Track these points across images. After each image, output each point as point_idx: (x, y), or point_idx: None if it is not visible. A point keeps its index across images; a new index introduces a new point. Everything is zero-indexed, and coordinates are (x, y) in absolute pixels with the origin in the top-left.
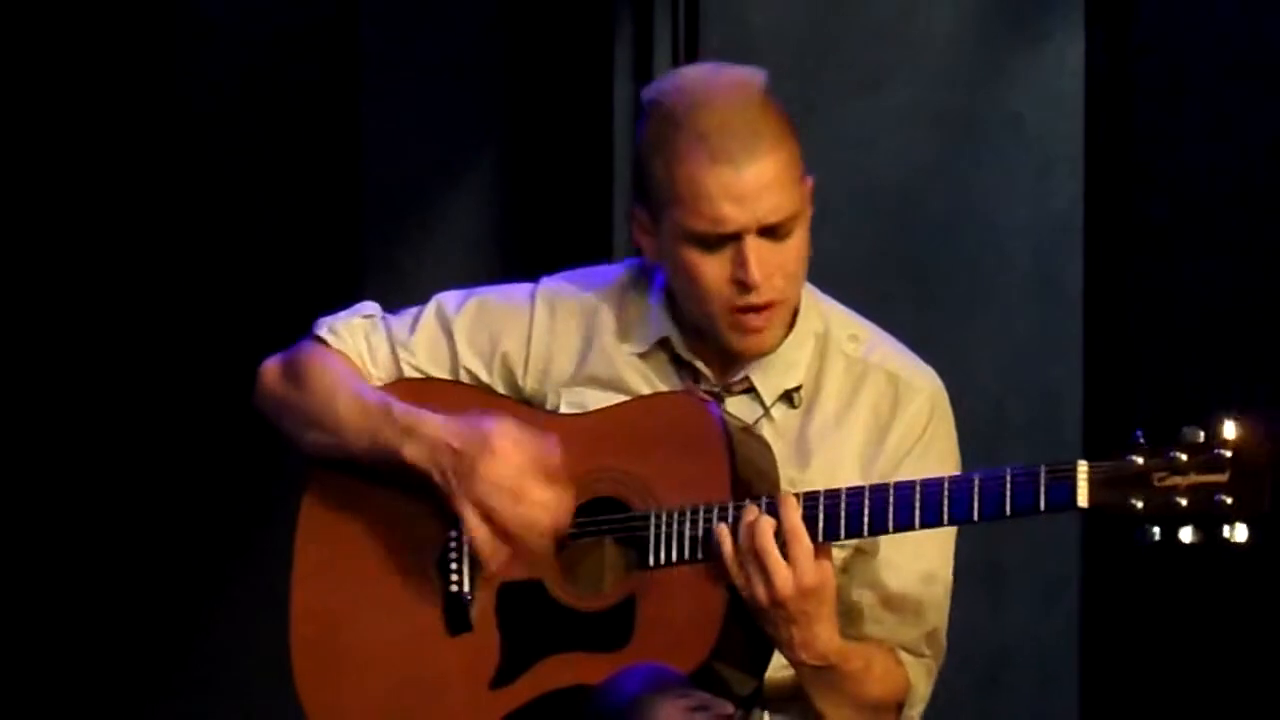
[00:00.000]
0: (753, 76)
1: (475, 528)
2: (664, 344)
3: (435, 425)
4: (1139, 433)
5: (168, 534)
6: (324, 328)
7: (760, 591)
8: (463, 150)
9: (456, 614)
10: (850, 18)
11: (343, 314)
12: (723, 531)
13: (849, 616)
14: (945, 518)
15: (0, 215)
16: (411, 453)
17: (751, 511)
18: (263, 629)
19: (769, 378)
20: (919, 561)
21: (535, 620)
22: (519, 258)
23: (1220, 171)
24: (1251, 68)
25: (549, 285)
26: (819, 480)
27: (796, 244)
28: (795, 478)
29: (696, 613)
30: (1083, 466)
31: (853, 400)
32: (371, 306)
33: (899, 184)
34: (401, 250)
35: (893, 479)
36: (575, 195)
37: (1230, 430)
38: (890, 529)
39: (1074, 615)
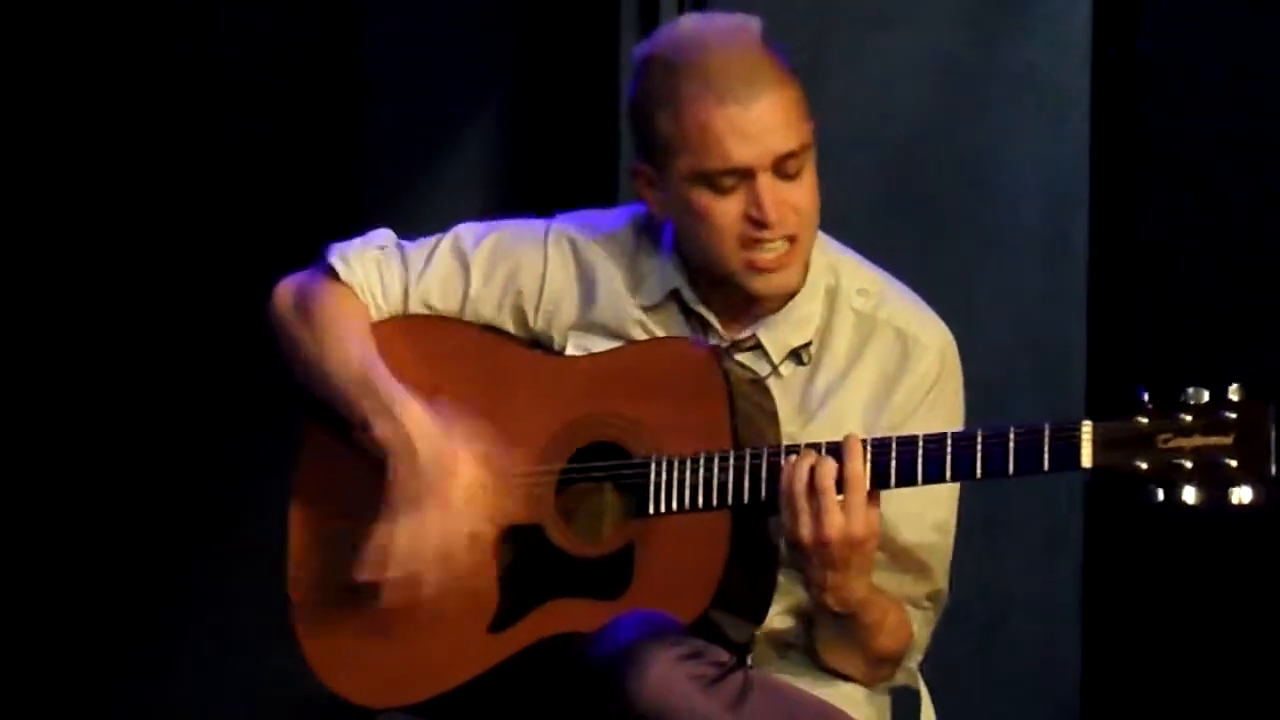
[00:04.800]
0: (748, 21)
1: (392, 539)
2: (674, 296)
3: (411, 416)
4: (1142, 391)
5: (180, 526)
6: (337, 256)
7: (808, 532)
8: (466, 110)
9: None
10: None
11: (357, 242)
12: (794, 464)
13: None
14: (948, 474)
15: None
16: (381, 432)
17: (810, 455)
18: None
19: (777, 335)
20: (929, 516)
21: (534, 565)
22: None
23: (1230, 125)
24: (1263, 21)
25: (563, 227)
26: (822, 436)
27: (807, 183)
28: (796, 434)
29: (696, 561)
30: (1087, 427)
31: (860, 356)
32: (386, 235)
33: (906, 133)
34: (406, 204)
35: (904, 430)
36: (580, 153)
37: (1235, 392)
38: (892, 483)
39: (1077, 567)
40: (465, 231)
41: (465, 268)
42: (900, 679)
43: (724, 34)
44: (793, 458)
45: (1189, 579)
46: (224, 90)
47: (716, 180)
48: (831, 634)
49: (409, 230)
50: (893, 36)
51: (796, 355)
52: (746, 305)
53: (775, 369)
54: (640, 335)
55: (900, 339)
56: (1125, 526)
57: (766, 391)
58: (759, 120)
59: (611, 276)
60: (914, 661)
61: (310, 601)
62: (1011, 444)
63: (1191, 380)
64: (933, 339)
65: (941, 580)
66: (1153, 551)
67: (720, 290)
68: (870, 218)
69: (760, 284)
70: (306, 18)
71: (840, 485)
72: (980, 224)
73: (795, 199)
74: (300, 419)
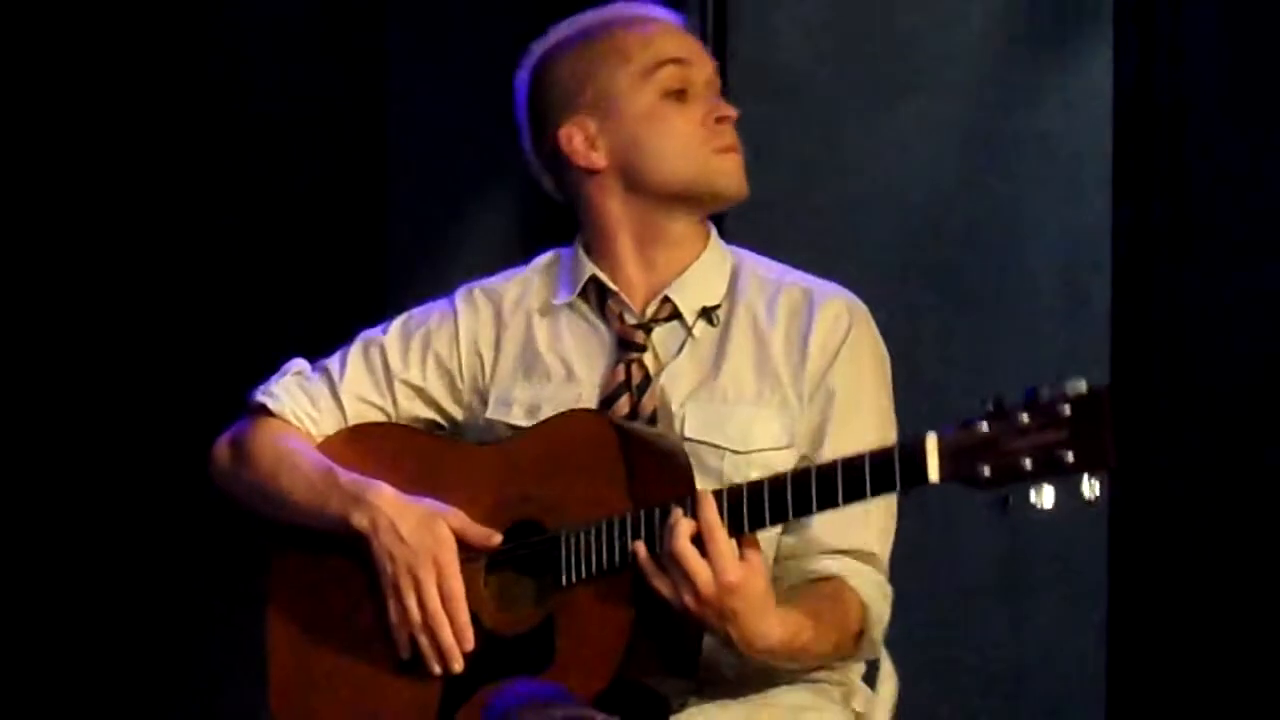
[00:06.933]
0: None
1: (401, 614)
2: (590, 284)
3: (383, 497)
4: (990, 400)
5: (202, 541)
6: (261, 394)
7: (686, 596)
8: (488, 161)
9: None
10: (878, 32)
11: (274, 378)
12: (638, 545)
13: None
14: (814, 505)
15: (19, 216)
16: (357, 520)
17: (672, 515)
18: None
19: (688, 296)
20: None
21: (471, 651)
22: None
23: (1248, 187)
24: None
25: (468, 286)
26: (741, 386)
27: None
28: (718, 386)
29: (604, 629)
30: (931, 439)
31: (770, 311)
32: (299, 363)
33: (927, 198)
34: (425, 264)
35: (826, 384)
36: None
37: (1069, 388)
38: (748, 526)
39: (1100, 630)
40: (369, 331)
41: (382, 355)
42: (866, 652)
43: (599, 5)
44: (639, 541)
45: (1216, 642)
46: (248, 146)
47: (666, 79)
48: (773, 668)
49: (428, 291)
50: (913, 102)
51: (708, 315)
52: (655, 256)
53: (689, 331)
54: (558, 344)
55: (806, 294)
56: (1151, 588)
57: (672, 442)
58: (689, 40)
59: (520, 305)
60: (877, 632)
61: (288, 700)
62: (867, 468)
63: (1212, 442)
64: (838, 293)
65: (880, 527)
66: (1178, 614)
67: (634, 246)
68: (890, 282)
69: (726, 180)
70: (330, 78)
71: (700, 539)
72: (1000, 289)
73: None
74: (264, 558)
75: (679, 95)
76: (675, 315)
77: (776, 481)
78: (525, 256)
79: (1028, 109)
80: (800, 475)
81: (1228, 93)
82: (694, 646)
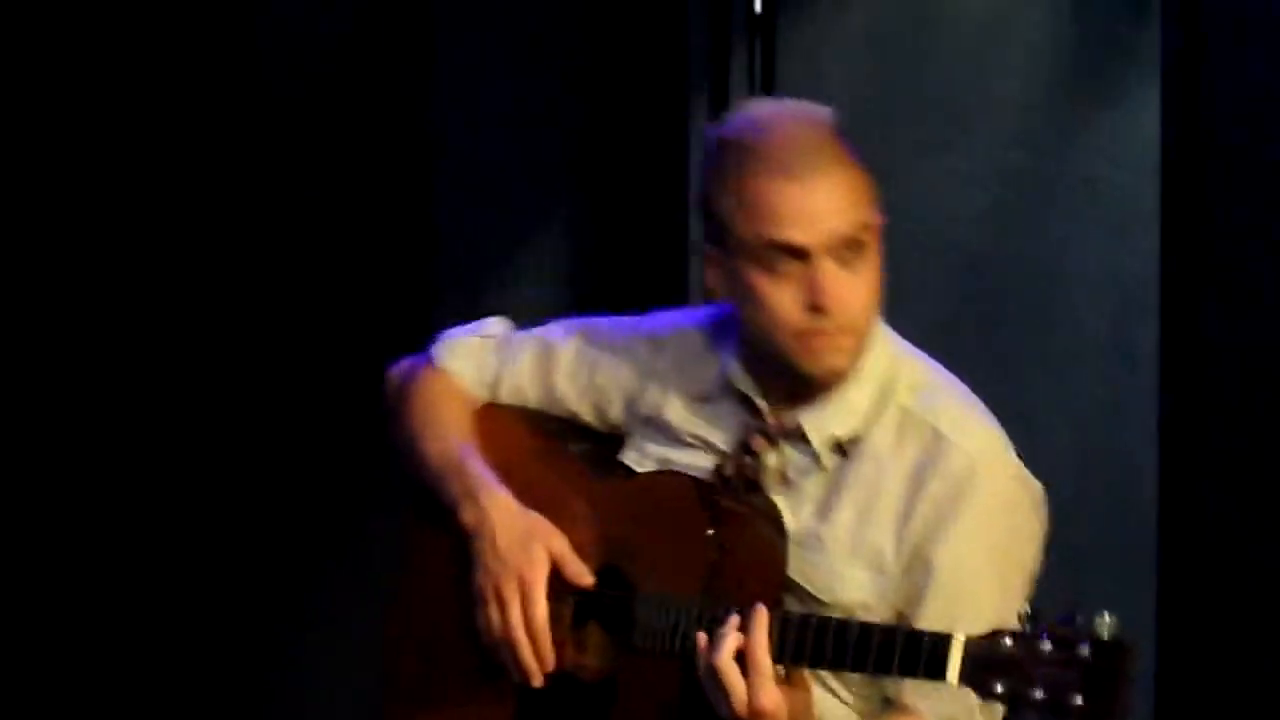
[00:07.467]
0: (821, 108)
1: (486, 623)
2: (730, 385)
3: (496, 503)
4: (1026, 613)
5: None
6: (443, 345)
7: (720, 704)
8: (538, 200)
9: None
10: (924, 78)
11: (465, 330)
12: (700, 638)
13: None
14: (848, 662)
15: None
16: (465, 516)
17: (726, 624)
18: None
19: (821, 425)
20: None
21: (547, 679)
22: (593, 306)
23: None
24: None
25: (640, 328)
26: (841, 535)
27: (868, 274)
28: (819, 530)
29: (657, 706)
30: (957, 641)
31: (895, 453)
32: (494, 324)
33: (972, 244)
34: (477, 294)
35: (925, 556)
36: (650, 245)
37: (1099, 625)
38: (791, 659)
39: (1150, 690)
40: (557, 329)
41: (553, 363)
42: None
43: (792, 115)
44: (701, 633)
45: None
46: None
47: (774, 258)
48: None
49: (477, 314)
50: (958, 147)
51: (840, 449)
52: (795, 389)
53: (818, 459)
54: (695, 425)
55: (936, 439)
56: (1200, 645)
57: (768, 530)
58: (817, 200)
59: (678, 371)
60: None
61: (400, 687)
62: (898, 647)
63: (1265, 493)
64: (970, 444)
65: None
66: (1228, 663)
67: (771, 374)
68: (934, 328)
69: (811, 364)
70: (378, 117)
71: (743, 658)
72: (1047, 336)
73: (853, 286)
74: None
75: (786, 252)
76: (804, 439)
77: (825, 624)
78: (576, 283)
79: (1074, 154)
80: (845, 629)
81: (1278, 136)
82: None
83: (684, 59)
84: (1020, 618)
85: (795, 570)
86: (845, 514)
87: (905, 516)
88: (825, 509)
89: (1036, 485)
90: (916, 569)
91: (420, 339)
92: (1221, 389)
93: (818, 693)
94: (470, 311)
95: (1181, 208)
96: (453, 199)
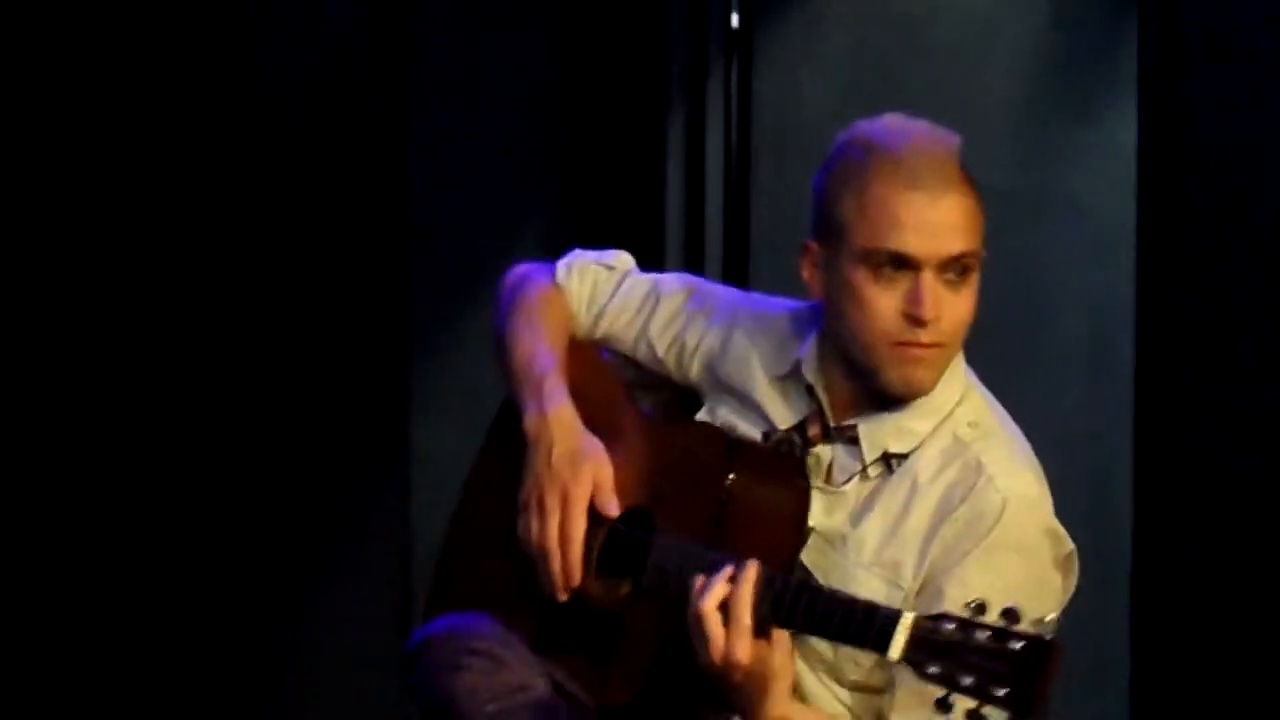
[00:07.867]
0: (951, 132)
1: (525, 530)
2: (800, 374)
3: (559, 415)
4: (974, 604)
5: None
6: (566, 260)
7: (700, 651)
8: (516, 211)
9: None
10: (903, 97)
11: (592, 254)
12: (694, 583)
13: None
14: (813, 626)
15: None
16: (528, 422)
17: (719, 572)
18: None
19: (878, 436)
20: None
21: (572, 594)
22: None
23: (1276, 248)
24: None
25: (757, 302)
26: (866, 543)
27: (968, 295)
28: (847, 533)
29: (647, 645)
30: (906, 619)
31: (935, 477)
32: (618, 257)
33: None
34: (453, 307)
35: (937, 585)
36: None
37: (1034, 625)
38: (783, 620)
39: (1124, 697)
40: (673, 279)
41: (655, 310)
42: None
43: (927, 132)
44: (700, 576)
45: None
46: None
47: (883, 265)
48: None
49: (456, 321)
50: None
51: (888, 462)
52: (859, 396)
53: (864, 468)
54: (764, 405)
55: (977, 472)
56: (1173, 658)
57: (794, 489)
58: (939, 215)
59: (769, 347)
60: None
61: (444, 590)
62: (855, 617)
63: (1240, 507)
64: (1009, 485)
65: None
66: (1201, 683)
67: (841, 374)
68: None
69: (899, 374)
70: (352, 140)
71: (726, 608)
72: (1025, 349)
73: (953, 305)
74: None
75: (897, 261)
76: (856, 443)
77: (802, 588)
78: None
79: (1052, 171)
80: (816, 596)
81: (1254, 154)
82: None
83: (662, 73)
84: (968, 607)
85: (812, 562)
86: (874, 524)
87: (929, 537)
88: (858, 516)
89: (1069, 545)
90: (929, 591)
91: (398, 340)
92: (1196, 401)
93: (815, 685)
94: (449, 316)
95: (1158, 223)
96: (430, 213)
